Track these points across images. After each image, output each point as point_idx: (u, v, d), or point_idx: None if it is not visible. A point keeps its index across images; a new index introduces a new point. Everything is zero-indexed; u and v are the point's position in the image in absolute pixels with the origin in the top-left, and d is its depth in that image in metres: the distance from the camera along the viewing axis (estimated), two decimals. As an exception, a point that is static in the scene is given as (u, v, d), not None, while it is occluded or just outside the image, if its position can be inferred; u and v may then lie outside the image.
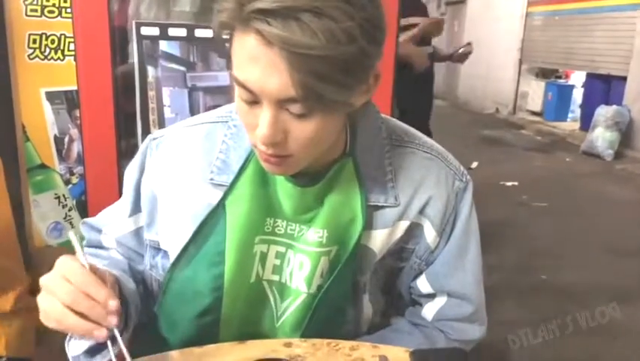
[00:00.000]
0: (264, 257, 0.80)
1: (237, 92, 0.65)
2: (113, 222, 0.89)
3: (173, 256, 0.81)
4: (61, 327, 0.64)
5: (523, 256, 3.42)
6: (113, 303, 0.63)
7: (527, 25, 8.96)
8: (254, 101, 0.64)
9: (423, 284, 0.87)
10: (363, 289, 0.84)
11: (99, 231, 0.91)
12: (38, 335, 1.31)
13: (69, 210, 1.70)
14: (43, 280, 0.64)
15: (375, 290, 0.87)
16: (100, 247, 0.92)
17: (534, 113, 8.88)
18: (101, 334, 0.62)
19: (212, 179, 0.79)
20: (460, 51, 3.17)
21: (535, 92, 8.89)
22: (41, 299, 0.64)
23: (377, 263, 0.83)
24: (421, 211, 0.82)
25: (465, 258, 0.86)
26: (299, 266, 0.80)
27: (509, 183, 5.08)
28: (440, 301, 0.88)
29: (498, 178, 5.20)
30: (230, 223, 0.77)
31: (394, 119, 0.88)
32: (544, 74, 9.05)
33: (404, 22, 2.80)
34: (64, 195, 1.70)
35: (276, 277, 0.82)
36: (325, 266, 0.79)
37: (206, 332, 0.81)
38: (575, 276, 3.15)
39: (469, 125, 8.39)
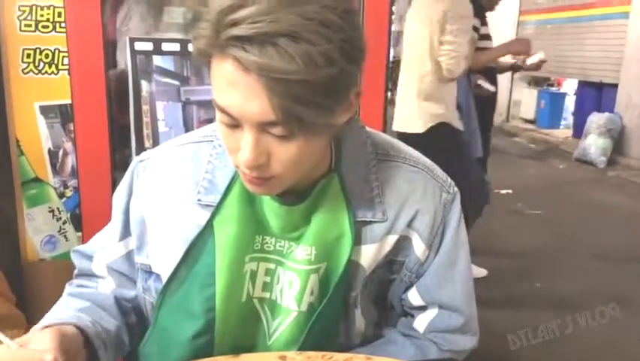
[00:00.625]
0: (254, 275, 0.80)
1: (218, 116, 0.66)
2: (103, 247, 0.89)
3: (164, 279, 0.81)
4: None
5: (518, 263, 3.43)
6: None
7: (519, 33, 9.03)
8: (235, 125, 0.65)
9: (414, 297, 0.88)
10: (354, 304, 0.85)
11: (90, 258, 0.90)
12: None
13: (63, 223, 1.71)
14: None
15: (367, 303, 0.88)
16: (91, 275, 0.91)
17: (527, 120, 8.94)
18: None
19: (199, 200, 0.79)
20: (536, 60, 3.23)
21: (528, 100, 8.96)
22: None
23: (367, 277, 0.84)
24: (409, 225, 0.83)
25: (454, 269, 0.86)
26: (289, 285, 0.80)
27: (503, 191, 5.10)
28: (431, 313, 0.88)
29: (492, 186, 5.23)
30: (220, 244, 0.78)
31: (381, 133, 0.88)
32: (536, 82, 9.12)
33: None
34: (58, 209, 1.70)
35: (266, 295, 0.82)
36: (315, 284, 0.80)
37: (201, 353, 0.81)
38: (568, 283, 3.16)
39: (463, 134, 8.44)
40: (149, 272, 0.86)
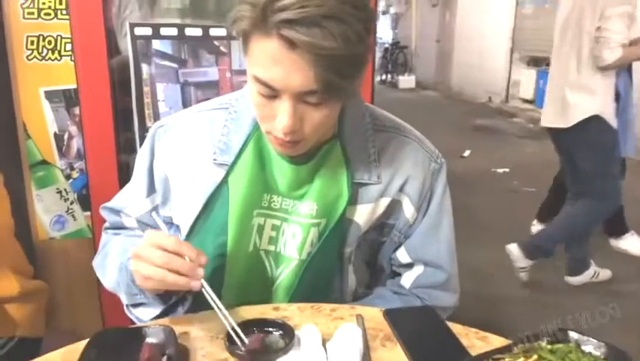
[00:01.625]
0: (260, 229, 0.91)
1: (255, 88, 0.75)
2: (131, 204, 0.99)
3: (184, 229, 0.92)
4: (161, 286, 0.76)
5: (512, 239, 3.51)
6: (203, 258, 0.75)
7: (518, 13, 9.02)
8: (273, 95, 0.74)
9: (402, 255, 0.97)
10: (348, 260, 0.94)
11: (118, 213, 1.01)
12: (48, 317, 1.40)
13: (71, 203, 1.79)
14: (137, 251, 0.76)
15: (360, 263, 0.97)
16: (122, 227, 1.02)
17: (526, 101, 8.94)
18: (197, 284, 0.74)
19: (215, 159, 0.90)
20: None
21: (527, 80, 8.95)
22: (139, 267, 0.75)
23: (361, 237, 0.93)
24: (401, 189, 0.93)
25: (439, 231, 0.96)
26: (292, 235, 0.90)
27: (500, 170, 5.17)
28: (417, 270, 0.98)
29: (490, 165, 5.29)
30: (232, 198, 0.88)
31: (378, 108, 0.98)
32: (535, 62, 9.11)
33: None
34: (65, 190, 1.78)
35: (272, 248, 0.92)
36: (315, 236, 0.90)
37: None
38: (560, 256, 3.24)
39: (462, 115, 8.46)
40: (170, 223, 0.97)
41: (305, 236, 0.89)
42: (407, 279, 0.98)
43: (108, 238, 1.02)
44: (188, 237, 0.91)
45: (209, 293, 0.77)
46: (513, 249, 2.84)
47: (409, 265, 0.98)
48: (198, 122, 0.94)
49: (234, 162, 0.88)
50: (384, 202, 0.92)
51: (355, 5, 0.69)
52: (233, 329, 0.75)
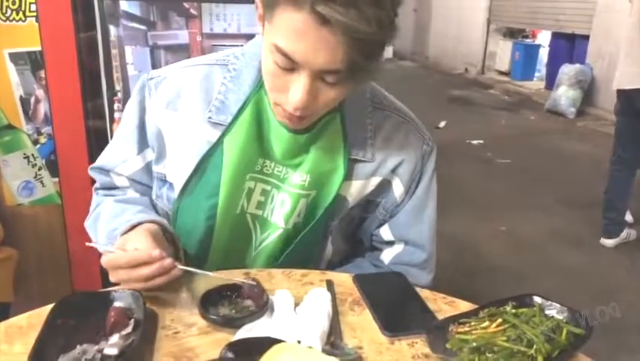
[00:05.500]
0: (250, 192, 0.89)
1: (272, 57, 0.72)
2: (121, 162, 0.95)
3: (177, 188, 0.90)
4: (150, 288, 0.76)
5: (484, 209, 3.58)
6: (166, 261, 0.73)
7: (496, -15, 9.00)
8: (291, 68, 0.71)
9: (385, 232, 0.97)
10: (329, 233, 0.94)
11: (108, 173, 0.97)
12: (17, 283, 1.38)
13: (39, 169, 1.74)
14: (106, 265, 0.75)
15: (338, 235, 0.97)
16: (113, 187, 0.99)
17: (502, 72, 9.01)
18: (177, 273, 0.75)
19: (210, 117, 0.86)
20: None
21: (503, 52, 9.01)
22: (113, 277, 0.76)
23: (346, 212, 0.92)
24: (393, 170, 0.92)
25: (424, 212, 0.96)
26: (280, 203, 0.89)
27: (475, 142, 5.22)
28: (398, 248, 0.98)
29: (465, 137, 5.34)
30: (226, 160, 0.86)
31: (374, 84, 0.96)
32: (511, 33, 9.14)
33: None
34: (33, 155, 1.73)
35: (259, 212, 0.91)
36: (303, 207, 0.89)
37: (199, 258, 0.92)
38: (531, 226, 3.32)
39: (439, 86, 8.49)
40: (163, 180, 0.95)
41: (294, 206, 0.88)
42: (387, 255, 0.98)
43: (99, 200, 0.98)
44: (180, 197, 0.89)
45: (189, 268, 0.77)
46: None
47: (391, 243, 0.98)
48: (193, 76, 0.89)
49: (231, 123, 0.85)
50: (375, 181, 0.91)
51: None
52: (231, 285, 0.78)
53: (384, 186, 0.93)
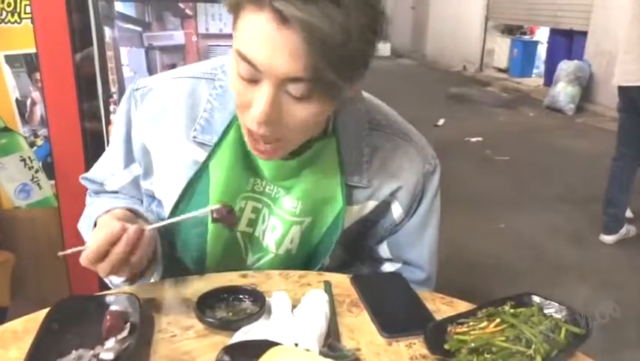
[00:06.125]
0: (241, 212, 0.86)
1: (236, 68, 0.67)
2: (110, 176, 0.94)
3: (166, 208, 0.87)
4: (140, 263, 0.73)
5: (483, 206, 3.57)
6: (131, 230, 0.71)
7: (492, -19, 8.99)
8: (254, 79, 0.65)
9: (383, 250, 0.95)
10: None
11: (100, 184, 0.96)
12: (14, 287, 1.38)
13: (35, 171, 1.74)
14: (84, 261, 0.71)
15: (338, 249, 0.92)
16: (105, 192, 0.97)
17: (500, 70, 9.00)
18: (150, 234, 0.74)
19: (195, 137, 0.83)
20: None
21: (501, 49, 8.99)
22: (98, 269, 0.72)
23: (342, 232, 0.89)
24: (392, 194, 0.88)
25: (424, 232, 0.92)
26: (272, 228, 0.86)
27: (474, 139, 5.22)
28: (397, 264, 0.95)
29: (463, 134, 5.34)
30: (213, 184, 0.82)
31: (376, 101, 0.91)
32: (509, 30, 9.13)
33: None
34: (29, 158, 1.73)
35: (249, 230, 0.88)
36: (296, 234, 0.85)
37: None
38: (530, 223, 3.32)
39: (437, 84, 8.48)
40: (152, 197, 0.92)
41: (285, 232, 0.85)
42: (386, 269, 0.96)
43: (92, 200, 0.97)
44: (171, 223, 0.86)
45: (160, 224, 0.76)
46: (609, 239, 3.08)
47: (389, 260, 0.96)
48: (178, 91, 0.85)
49: (217, 144, 0.81)
50: (372, 204, 0.88)
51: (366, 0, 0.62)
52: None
53: (383, 208, 0.89)
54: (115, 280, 0.84)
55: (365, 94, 0.89)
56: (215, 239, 0.86)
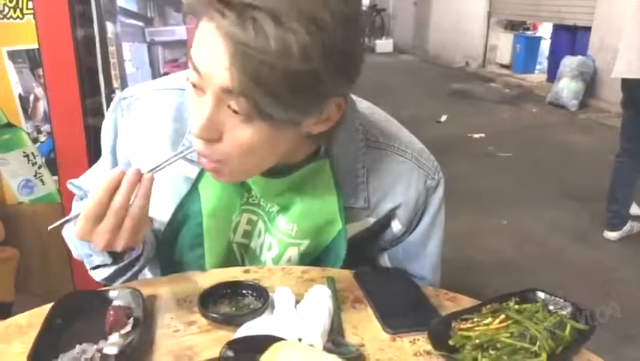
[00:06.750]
0: (237, 225, 0.85)
1: (190, 78, 0.66)
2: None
3: (157, 224, 0.85)
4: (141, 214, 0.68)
5: (486, 203, 3.57)
6: (130, 172, 0.67)
7: (496, -23, 8.95)
8: (199, 87, 0.64)
9: (384, 261, 0.93)
10: None
11: (86, 193, 0.93)
12: (18, 283, 1.38)
13: (39, 167, 1.74)
14: (79, 233, 0.68)
15: None
16: None
17: (503, 65, 8.96)
18: (149, 176, 0.68)
19: (182, 152, 0.79)
20: None
21: (504, 45, 8.95)
22: (93, 240, 0.68)
23: None
24: (391, 210, 0.86)
25: (426, 246, 0.90)
26: (268, 247, 0.86)
27: (476, 135, 5.21)
28: None
29: (466, 131, 5.33)
30: (205, 207, 0.81)
31: (376, 115, 0.88)
32: (512, 26, 9.10)
33: None
34: (32, 153, 1.73)
35: (246, 241, 0.87)
36: (294, 255, 0.85)
37: None
38: (533, 220, 3.31)
39: (440, 80, 8.46)
40: None
41: (281, 252, 0.84)
42: None
43: (77, 205, 0.95)
44: (164, 243, 0.85)
45: (158, 165, 0.70)
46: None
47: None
48: (164, 104, 0.82)
49: None
50: (371, 221, 0.86)
51: (313, 18, 0.56)
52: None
53: (383, 223, 0.87)
54: (99, 274, 0.82)
55: (360, 104, 0.85)
56: (213, 256, 0.85)
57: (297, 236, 0.83)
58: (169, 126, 0.82)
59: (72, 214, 0.69)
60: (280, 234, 0.84)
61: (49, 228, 0.69)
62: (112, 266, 0.80)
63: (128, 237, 0.68)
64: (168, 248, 0.87)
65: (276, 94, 0.59)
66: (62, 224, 0.70)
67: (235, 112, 0.62)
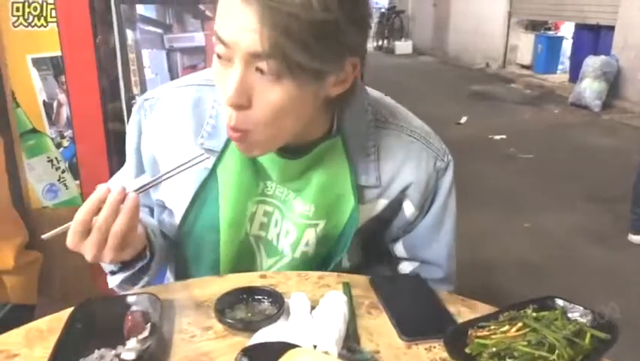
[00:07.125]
0: (252, 216, 0.86)
1: (216, 51, 0.68)
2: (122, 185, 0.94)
3: (177, 217, 0.88)
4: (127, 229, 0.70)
5: (508, 205, 3.52)
6: (116, 191, 0.70)
7: (516, -23, 8.85)
8: (227, 58, 0.66)
9: (399, 249, 0.94)
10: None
11: None
12: (40, 285, 1.41)
13: (62, 172, 1.77)
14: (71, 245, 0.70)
15: (356, 248, 0.93)
16: None
17: (524, 66, 8.86)
18: (134, 196, 0.71)
19: (202, 144, 0.83)
20: None
21: (525, 45, 8.85)
22: (84, 252, 0.71)
23: (357, 229, 0.88)
24: (402, 191, 0.87)
25: (440, 231, 0.91)
26: (285, 233, 0.87)
27: (498, 137, 5.15)
28: (415, 263, 0.95)
29: (487, 132, 5.28)
30: (223, 192, 0.83)
31: (382, 97, 0.90)
32: (533, 26, 8.99)
33: None
34: (56, 158, 1.76)
35: (262, 233, 0.88)
36: (311, 237, 0.85)
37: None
38: (556, 222, 3.26)
39: (460, 81, 8.39)
40: (163, 206, 0.92)
41: (299, 236, 0.85)
42: (405, 267, 0.96)
43: None
44: (180, 230, 0.87)
45: (145, 184, 0.74)
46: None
47: (406, 259, 0.95)
48: (184, 99, 0.86)
49: (224, 149, 0.82)
50: (383, 203, 0.87)
51: None
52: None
53: (394, 206, 0.88)
54: (106, 267, 0.84)
55: (369, 89, 0.88)
56: (229, 244, 0.86)
57: (314, 216, 0.84)
58: (190, 119, 0.85)
59: (65, 225, 0.70)
60: (297, 217, 0.85)
61: (42, 237, 0.71)
62: (120, 274, 0.82)
63: (112, 253, 0.70)
64: (185, 238, 0.88)
65: (305, 43, 0.62)
66: (55, 234, 0.71)
67: (263, 73, 0.65)
